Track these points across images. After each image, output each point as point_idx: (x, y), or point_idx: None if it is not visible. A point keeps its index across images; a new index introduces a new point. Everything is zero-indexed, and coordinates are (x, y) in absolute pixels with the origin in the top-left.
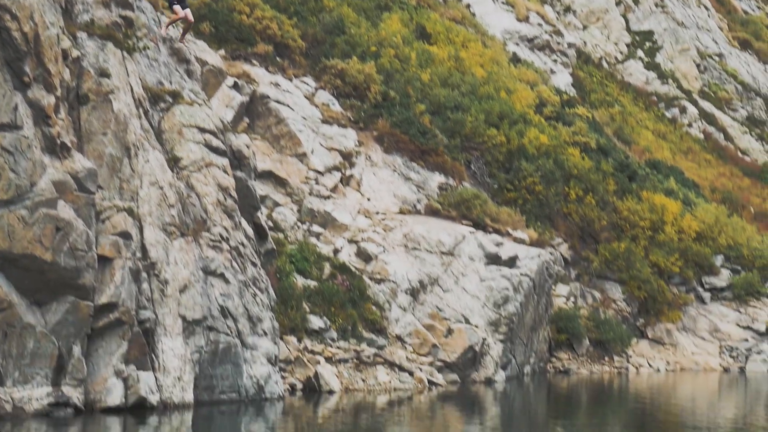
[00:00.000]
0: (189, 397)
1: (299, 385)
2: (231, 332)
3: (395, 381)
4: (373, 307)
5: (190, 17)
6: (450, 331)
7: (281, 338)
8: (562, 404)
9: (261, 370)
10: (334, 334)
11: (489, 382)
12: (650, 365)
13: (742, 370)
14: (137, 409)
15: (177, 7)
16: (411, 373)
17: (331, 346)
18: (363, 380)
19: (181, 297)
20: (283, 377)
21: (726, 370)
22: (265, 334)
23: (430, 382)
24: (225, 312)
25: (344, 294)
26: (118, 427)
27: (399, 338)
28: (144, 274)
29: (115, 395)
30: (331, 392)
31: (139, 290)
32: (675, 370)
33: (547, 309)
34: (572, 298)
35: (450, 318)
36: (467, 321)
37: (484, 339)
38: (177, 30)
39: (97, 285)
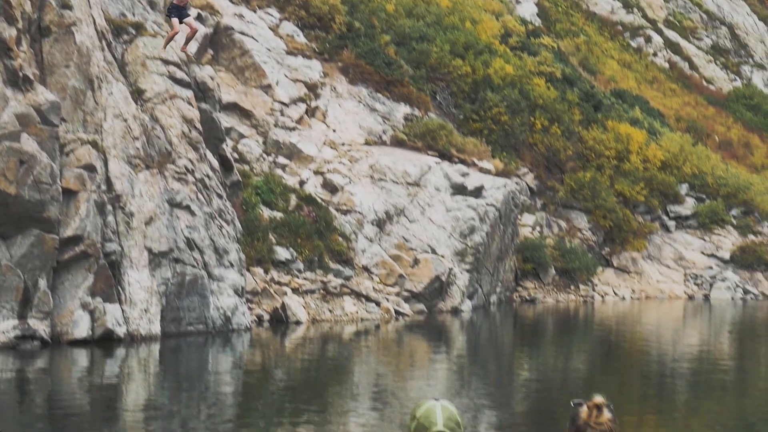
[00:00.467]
0: (156, 328)
1: (266, 316)
2: (197, 264)
3: (362, 311)
4: (340, 238)
5: (194, 26)
6: (416, 262)
7: (248, 270)
8: (528, 333)
9: (228, 301)
10: (301, 265)
11: (455, 311)
12: (615, 293)
13: (706, 297)
14: (104, 342)
15: (175, 21)
16: (378, 304)
17: (297, 277)
18: (330, 311)
19: (147, 229)
20: (250, 308)
21: (690, 297)
22: (232, 265)
23: (397, 312)
24: (191, 244)
25: (310, 225)
26: (85, 359)
27: (365, 269)
28: (109, 207)
29: (81, 328)
30: (298, 323)
31: (105, 223)
32: (640, 298)
33: (512, 239)
34: (538, 228)
35: (416, 248)
36: (433, 251)
37: (451, 269)
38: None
39: (62, 218)
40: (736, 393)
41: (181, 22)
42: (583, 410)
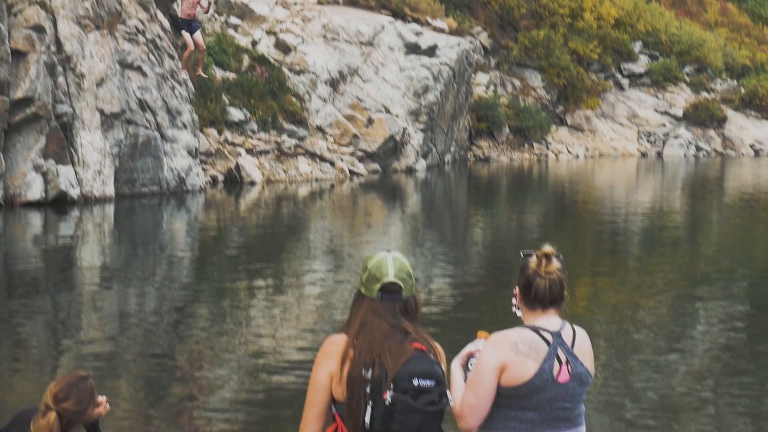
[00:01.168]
0: (110, 190)
1: (220, 177)
2: (150, 125)
3: (316, 171)
4: (293, 99)
5: (201, 44)
6: (370, 121)
7: (201, 131)
8: (482, 192)
9: (181, 162)
10: (255, 126)
11: (410, 171)
12: (569, 152)
13: (659, 154)
14: (58, 204)
15: (187, 36)
16: (332, 164)
17: (251, 138)
18: (284, 171)
19: (98, 91)
20: (204, 169)
21: (644, 155)
22: (185, 126)
23: (351, 172)
24: (143, 105)
25: (264, 86)
26: (39, 221)
27: (320, 129)
28: (59, 68)
29: (35, 190)
30: (252, 183)
31: (55, 84)
32: (594, 156)
33: (467, 98)
34: (492, 87)
35: (370, 108)
36: (387, 111)
37: (405, 128)
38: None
39: (12, 80)
40: (688, 248)
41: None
42: (533, 260)
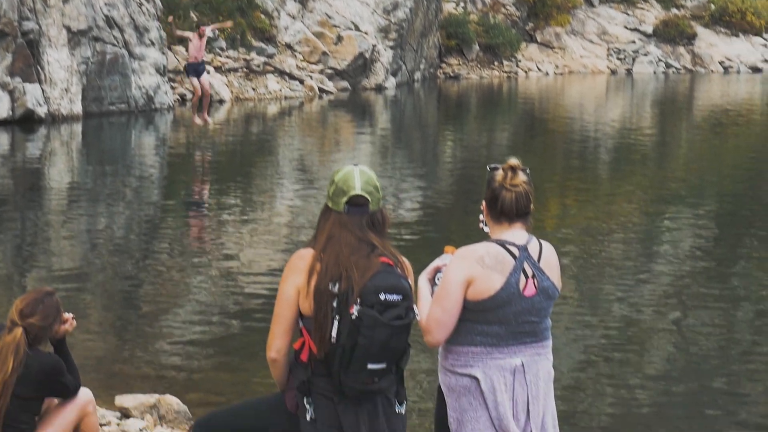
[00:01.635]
0: (77, 108)
1: (189, 96)
2: (117, 43)
3: (286, 89)
4: (262, 16)
5: (207, 89)
6: (340, 39)
7: (169, 48)
8: (452, 109)
9: (150, 80)
10: (223, 44)
11: (379, 88)
12: (539, 69)
13: (629, 72)
14: (25, 122)
15: (195, 81)
16: (301, 81)
17: (220, 56)
18: (253, 89)
19: (65, 7)
20: (172, 87)
21: (613, 72)
22: (153, 44)
23: (321, 90)
24: (110, 22)
25: (232, 2)
26: (6, 139)
27: (289, 46)
28: None
29: (1, 108)
30: (221, 102)
31: (21, 1)
32: (563, 74)
33: (436, 14)
34: (462, 4)
35: (340, 25)
36: (357, 28)
37: (374, 46)
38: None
39: None
40: (657, 165)
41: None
42: (499, 173)
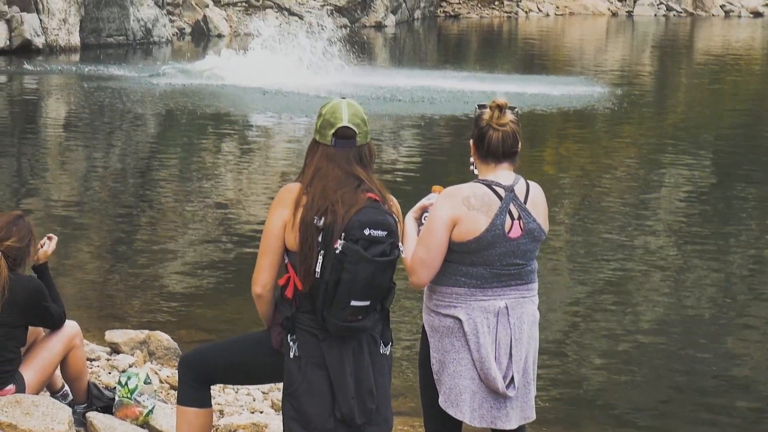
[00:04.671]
0: (75, 39)
1: (187, 29)
2: None
3: (284, 25)
4: None
5: None
6: None
7: None
8: (452, 48)
9: (148, 12)
10: None
11: (379, 26)
12: (540, 10)
13: (629, 14)
14: (23, 52)
15: None
16: (300, 17)
17: None
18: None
19: None
20: (171, 20)
21: (614, 14)
22: None
23: (320, 26)
24: None
25: None
26: (2, 70)
27: None
28: None
29: None
30: (219, 36)
31: None
32: (564, 15)
33: None
34: None
35: None
36: None
37: None
38: None
39: None
40: (656, 109)
41: None
42: (486, 112)
